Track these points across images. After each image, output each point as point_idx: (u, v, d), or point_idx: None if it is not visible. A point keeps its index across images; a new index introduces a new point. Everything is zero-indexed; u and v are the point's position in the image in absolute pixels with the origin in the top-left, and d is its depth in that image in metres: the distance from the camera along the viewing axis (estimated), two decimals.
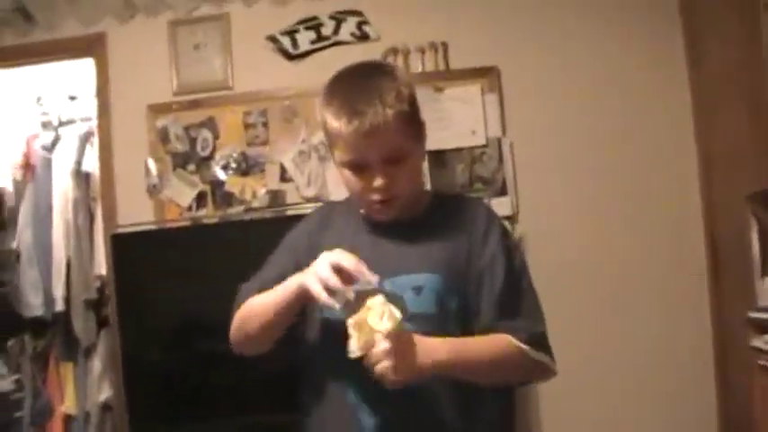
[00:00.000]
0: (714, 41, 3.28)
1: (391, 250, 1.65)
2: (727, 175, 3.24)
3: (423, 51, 3.60)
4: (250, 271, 1.79)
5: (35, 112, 4.33)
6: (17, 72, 4.09)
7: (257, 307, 1.67)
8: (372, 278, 1.50)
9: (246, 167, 3.63)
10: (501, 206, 3.35)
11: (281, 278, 1.64)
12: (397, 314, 1.44)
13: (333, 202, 1.98)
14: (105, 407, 4.00)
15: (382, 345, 1.41)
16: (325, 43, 3.64)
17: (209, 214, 3.63)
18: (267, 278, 1.72)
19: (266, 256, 1.81)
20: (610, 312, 3.45)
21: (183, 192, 3.64)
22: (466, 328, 1.59)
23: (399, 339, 1.44)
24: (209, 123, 3.65)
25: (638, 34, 3.53)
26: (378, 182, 1.59)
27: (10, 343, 4.20)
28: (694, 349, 3.39)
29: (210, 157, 3.64)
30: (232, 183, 3.63)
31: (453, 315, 1.60)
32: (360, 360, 1.44)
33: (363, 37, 3.63)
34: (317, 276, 1.50)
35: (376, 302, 1.45)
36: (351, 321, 1.45)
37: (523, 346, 1.57)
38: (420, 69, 3.58)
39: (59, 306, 3.99)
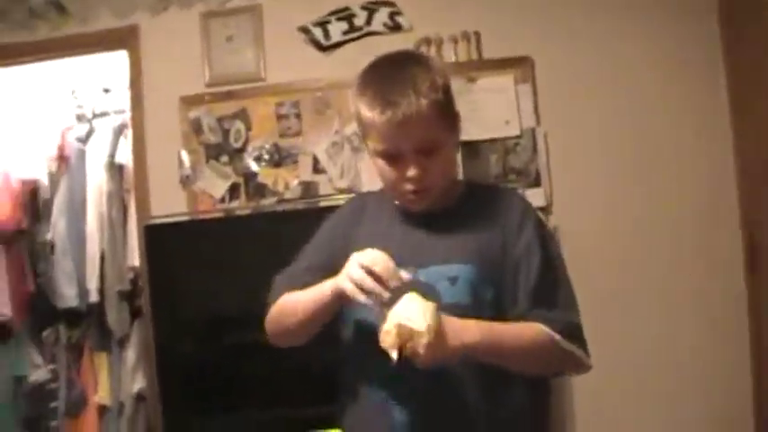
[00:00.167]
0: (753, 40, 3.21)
1: (425, 240, 1.65)
2: (766, 173, 3.17)
3: (455, 41, 3.56)
4: (283, 262, 1.79)
5: (70, 105, 4.38)
6: (52, 65, 4.10)
7: (295, 304, 1.67)
8: (405, 275, 1.49)
9: (279, 159, 3.62)
10: (534, 197, 3.30)
11: (316, 270, 1.64)
12: (432, 310, 1.42)
13: (366, 194, 1.97)
14: (139, 397, 4.02)
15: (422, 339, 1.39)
16: (358, 34, 3.62)
17: (241, 206, 3.62)
18: (301, 270, 1.72)
19: (299, 248, 1.81)
20: (644, 305, 3.39)
21: (215, 183, 3.64)
22: (500, 319, 1.58)
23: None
24: (242, 115, 3.65)
25: (676, 30, 3.45)
26: (411, 172, 1.59)
27: (45, 333, 4.25)
28: (731, 349, 3.32)
29: (243, 149, 3.64)
30: (265, 174, 3.62)
31: (488, 305, 1.59)
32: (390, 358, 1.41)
33: (396, 27, 3.60)
34: (351, 278, 1.50)
35: (411, 299, 1.44)
36: (388, 319, 1.43)
37: (555, 336, 1.55)
38: (453, 59, 3.54)
39: (93, 297, 4.02)
